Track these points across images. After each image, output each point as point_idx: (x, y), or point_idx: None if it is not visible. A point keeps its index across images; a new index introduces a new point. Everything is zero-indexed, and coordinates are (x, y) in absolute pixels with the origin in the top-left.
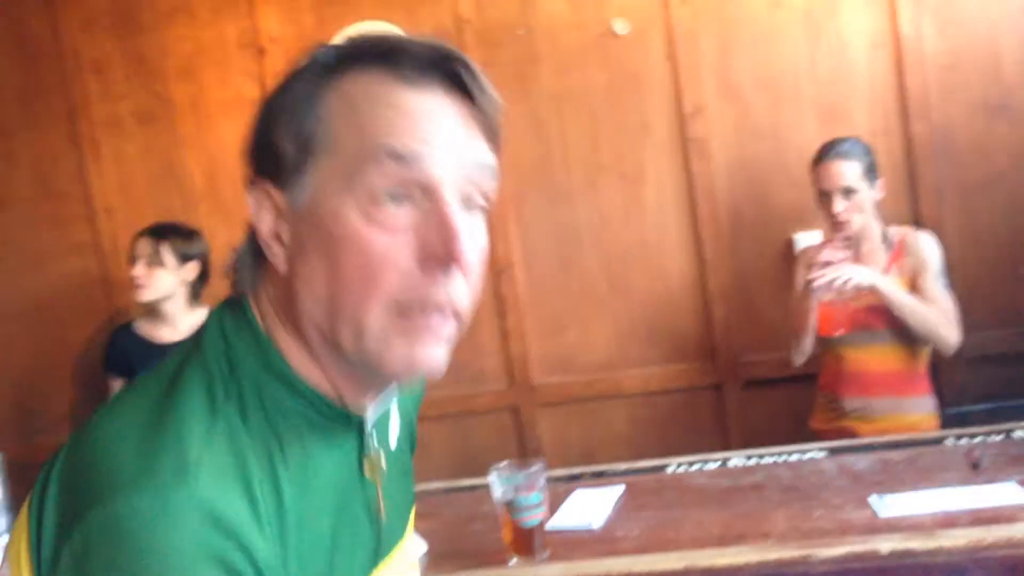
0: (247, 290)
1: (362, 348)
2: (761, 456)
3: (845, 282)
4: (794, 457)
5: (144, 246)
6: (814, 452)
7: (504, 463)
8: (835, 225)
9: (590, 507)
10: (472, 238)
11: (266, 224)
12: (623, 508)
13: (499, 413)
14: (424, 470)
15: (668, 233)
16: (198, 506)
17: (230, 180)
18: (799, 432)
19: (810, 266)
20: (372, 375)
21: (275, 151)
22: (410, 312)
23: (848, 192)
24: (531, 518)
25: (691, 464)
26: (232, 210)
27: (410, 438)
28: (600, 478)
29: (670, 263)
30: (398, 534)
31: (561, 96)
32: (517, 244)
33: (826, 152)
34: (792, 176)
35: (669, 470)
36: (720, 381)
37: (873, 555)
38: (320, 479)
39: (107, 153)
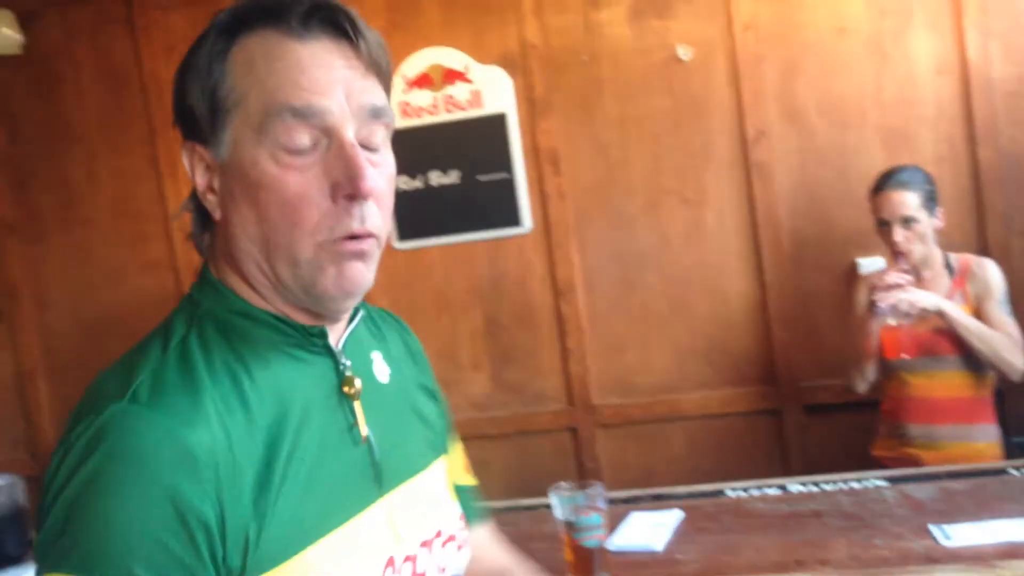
0: (204, 252)
1: (298, 275)
2: (821, 483)
3: (910, 305)
4: (854, 484)
5: None
6: (875, 480)
7: (564, 483)
8: (895, 254)
9: (650, 530)
10: (377, 169)
11: (200, 179)
12: (683, 531)
13: (558, 433)
14: (483, 488)
15: (729, 256)
16: (130, 413)
17: None
18: (860, 459)
19: (873, 289)
20: (312, 301)
21: (192, 113)
22: (333, 241)
23: (907, 221)
24: (591, 538)
25: (750, 489)
26: None
27: (425, 390)
28: (659, 501)
29: (731, 286)
30: (406, 468)
31: (624, 121)
32: (579, 266)
33: (885, 181)
34: (855, 201)
35: (728, 494)
36: (780, 405)
37: None
38: (293, 394)
39: (183, 175)
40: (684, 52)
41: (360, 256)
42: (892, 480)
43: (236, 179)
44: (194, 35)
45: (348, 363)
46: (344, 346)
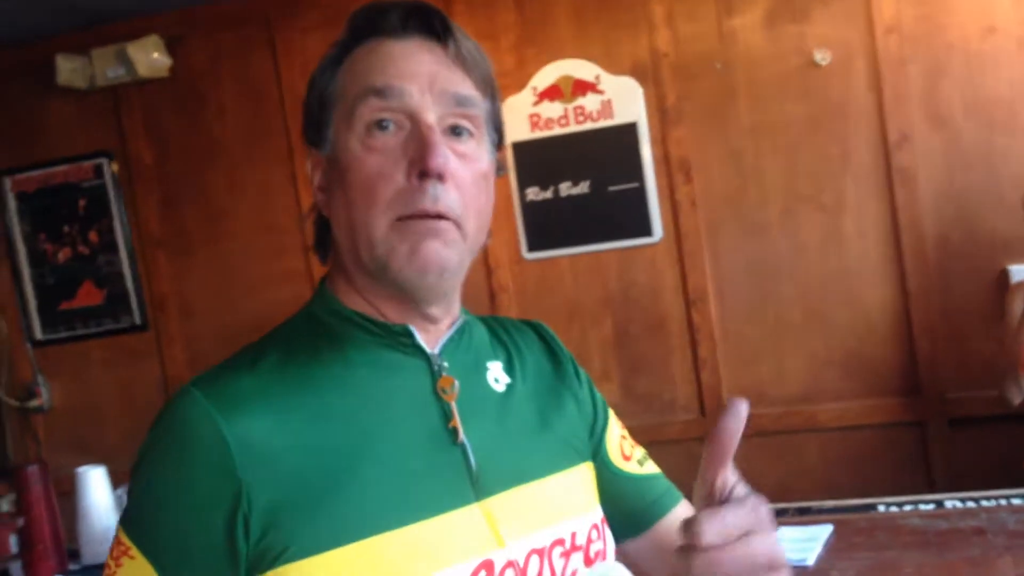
0: (324, 259)
1: (375, 256)
2: (980, 499)
3: None
4: (1016, 501)
5: None
6: None
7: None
8: None
9: (799, 544)
10: (460, 159)
11: (315, 180)
12: (834, 547)
13: (689, 443)
14: None
15: (869, 264)
16: (185, 395)
17: None
18: (1010, 475)
19: None
20: (392, 285)
21: (309, 116)
22: (406, 219)
23: None
24: None
25: (903, 504)
26: None
27: (568, 397)
28: (805, 515)
29: (871, 294)
30: (515, 474)
31: (758, 128)
32: (710, 276)
33: None
34: (1005, 206)
35: (879, 509)
36: (924, 418)
37: None
38: (376, 391)
39: None
40: (821, 57)
41: (434, 234)
42: None
43: (334, 169)
44: None
45: (445, 364)
46: (443, 349)
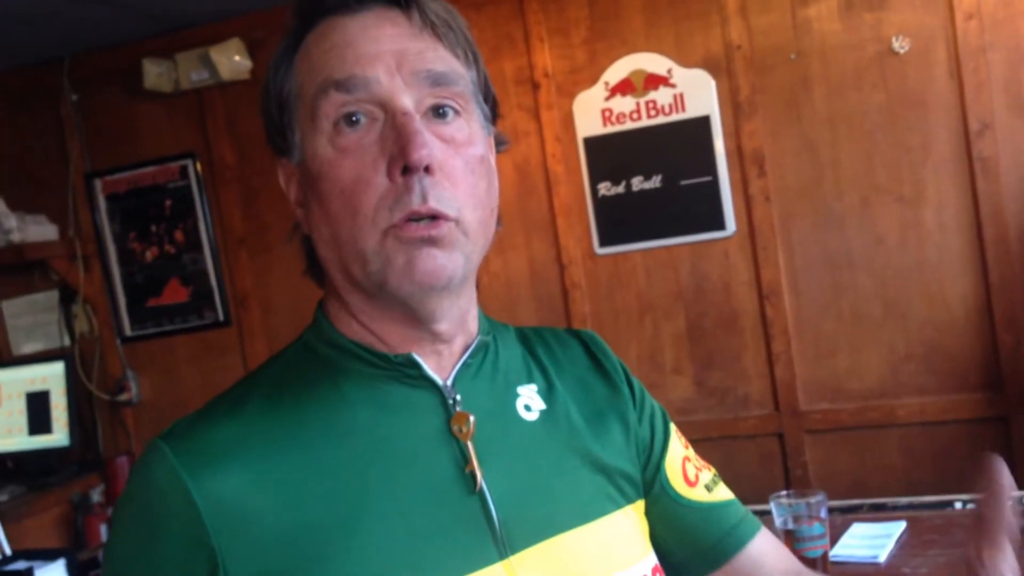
0: (321, 282)
1: (370, 273)
2: None
3: None
4: None
5: None
6: None
7: (785, 492)
8: None
9: (872, 540)
10: (448, 144)
11: (292, 193)
12: (907, 544)
13: (764, 438)
14: None
15: (950, 256)
16: (154, 449)
17: (505, 208)
18: None
19: None
20: (395, 302)
21: (271, 120)
22: (395, 225)
23: None
24: (813, 548)
25: None
26: (503, 237)
27: (615, 419)
28: (879, 511)
29: (952, 287)
30: (550, 523)
31: (834, 119)
32: (784, 269)
33: None
34: None
35: (956, 506)
36: (1007, 413)
37: None
38: (378, 432)
39: None
40: (900, 44)
41: (431, 242)
42: None
43: (307, 179)
44: None
45: (458, 397)
46: (457, 377)
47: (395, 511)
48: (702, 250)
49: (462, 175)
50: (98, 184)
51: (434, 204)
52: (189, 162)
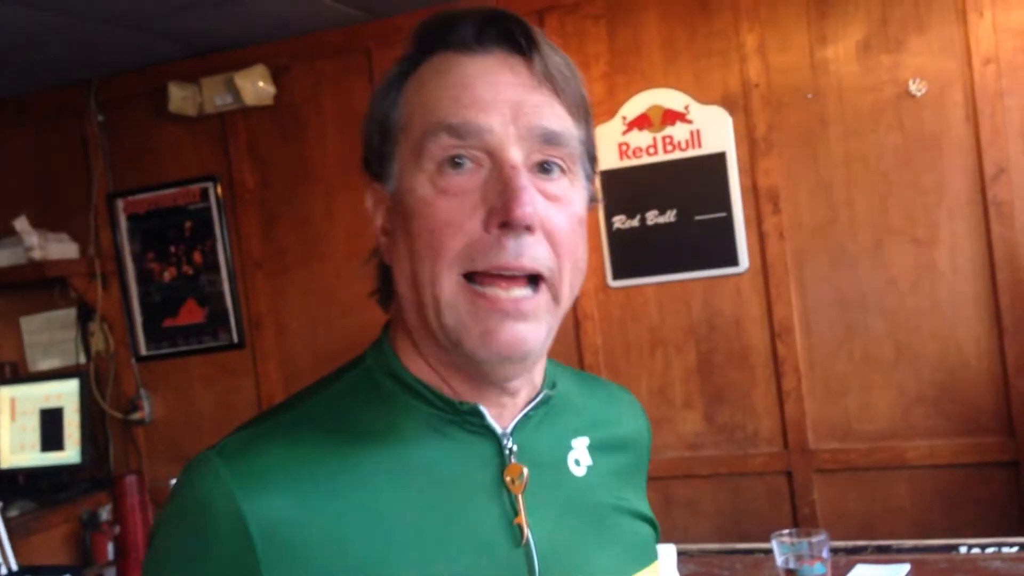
0: (387, 307)
1: (443, 324)
2: None
3: None
4: None
5: None
6: None
7: (787, 531)
8: None
9: None
10: (552, 203)
11: (378, 220)
12: None
13: (772, 476)
14: (693, 528)
15: (963, 299)
16: (205, 463)
17: None
18: None
19: None
20: (467, 361)
21: (370, 145)
22: (480, 278)
23: None
24: None
25: (985, 547)
26: None
27: (635, 485)
28: (884, 553)
29: (964, 330)
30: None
31: (850, 159)
32: (797, 307)
33: None
34: None
35: (961, 551)
36: (1018, 458)
37: None
38: (433, 475)
39: None
40: (917, 87)
41: (514, 315)
42: None
43: (398, 211)
44: None
45: (514, 448)
46: (516, 427)
47: (442, 559)
48: (715, 285)
49: (563, 235)
50: (120, 204)
51: (528, 263)
52: (210, 185)
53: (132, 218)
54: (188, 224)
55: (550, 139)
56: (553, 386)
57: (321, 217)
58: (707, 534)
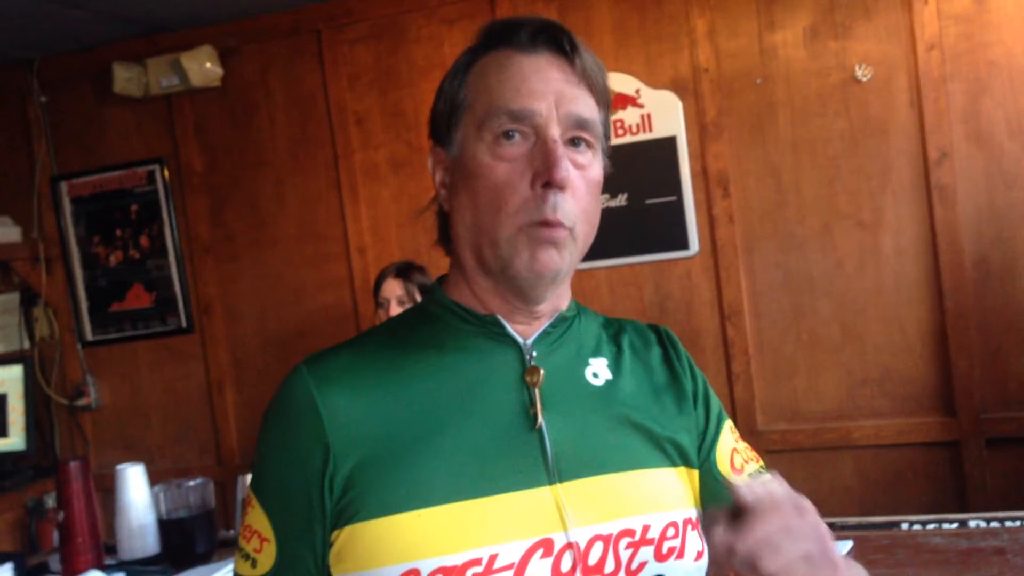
0: (449, 250)
1: (498, 256)
2: (1004, 519)
3: None
4: None
5: (395, 287)
6: None
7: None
8: None
9: None
10: (579, 171)
11: (438, 176)
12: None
13: None
14: None
15: (907, 282)
16: (295, 371)
17: None
18: None
19: None
20: (508, 282)
21: (438, 117)
22: (529, 225)
23: None
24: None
25: (926, 523)
26: None
27: (673, 404)
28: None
29: (908, 312)
30: (593, 463)
31: (797, 143)
32: (746, 290)
33: None
34: None
35: (903, 527)
36: (959, 438)
37: None
38: (466, 375)
39: (364, 197)
40: (863, 73)
41: (552, 243)
42: None
43: (460, 172)
44: (377, 66)
45: (535, 353)
46: (537, 339)
47: (467, 432)
48: (665, 269)
49: (584, 195)
50: (64, 187)
51: (560, 216)
52: (156, 167)
53: (76, 201)
54: (134, 207)
55: (582, 124)
56: (574, 312)
57: (271, 202)
58: None
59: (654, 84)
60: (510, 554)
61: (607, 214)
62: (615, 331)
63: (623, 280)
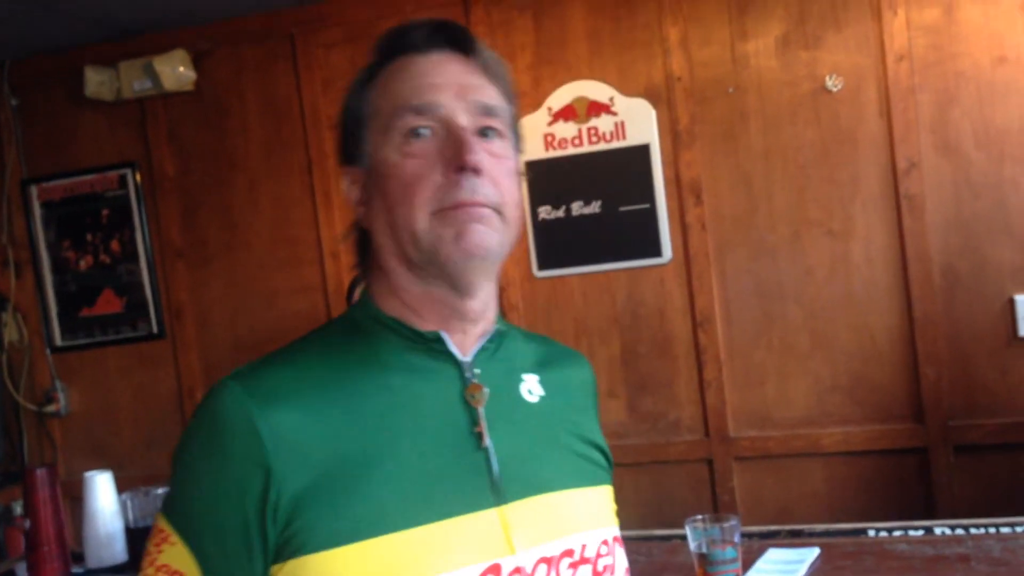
0: (366, 273)
1: (421, 249)
2: (969, 527)
3: None
4: (1006, 530)
5: None
6: None
7: (700, 516)
8: None
9: (785, 565)
10: (493, 158)
11: (354, 195)
12: (819, 570)
13: (693, 464)
14: (618, 517)
15: (876, 290)
16: (223, 386)
17: None
18: (1015, 504)
19: None
20: (442, 272)
21: (345, 136)
22: (446, 211)
23: None
24: (726, 572)
25: (893, 530)
26: None
27: (586, 440)
28: (796, 538)
29: (877, 320)
30: (535, 483)
31: (769, 152)
32: (718, 297)
33: None
34: (1014, 235)
35: (870, 534)
36: (928, 444)
37: None
38: (406, 395)
39: (338, 202)
40: (833, 83)
41: (477, 219)
42: None
43: (372, 181)
44: (351, 71)
45: (476, 371)
46: (476, 356)
47: (415, 454)
48: (638, 276)
49: (502, 179)
50: (34, 190)
51: (480, 197)
52: (128, 171)
53: (47, 205)
54: (105, 212)
55: (488, 111)
56: (504, 327)
57: (244, 206)
58: (630, 522)
59: (628, 92)
60: None
61: (582, 221)
62: (543, 347)
63: (596, 287)
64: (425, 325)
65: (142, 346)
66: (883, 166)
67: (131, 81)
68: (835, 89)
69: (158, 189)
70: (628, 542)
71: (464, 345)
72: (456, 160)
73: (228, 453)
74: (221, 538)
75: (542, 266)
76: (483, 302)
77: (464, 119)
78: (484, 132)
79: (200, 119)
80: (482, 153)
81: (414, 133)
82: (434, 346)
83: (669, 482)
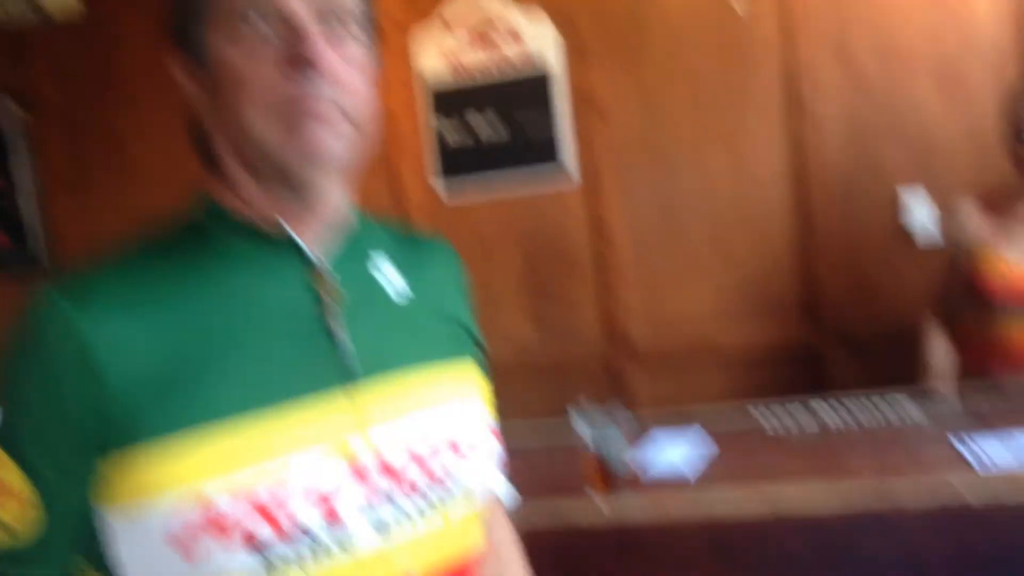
0: (211, 169)
1: (254, 147)
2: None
3: None
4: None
5: None
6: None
7: (585, 400)
8: None
9: (671, 447)
10: (346, 62)
11: (185, 83)
12: (704, 450)
13: (594, 368)
14: (522, 421)
15: (773, 198)
16: (45, 295)
17: None
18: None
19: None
20: (279, 175)
21: (172, 20)
22: (278, 106)
23: None
24: (610, 452)
25: (770, 404)
26: None
27: (453, 319)
28: (679, 418)
29: (774, 227)
30: (384, 362)
31: (670, 69)
32: (618, 208)
33: None
34: (905, 139)
35: (750, 411)
36: (822, 344)
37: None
38: (251, 291)
39: None
40: (739, 5)
41: (315, 117)
42: (915, 397)
43: (203, 70)
44: None
45: (322, 259)
46: (325, 249)
47: (258, 342)
48: (543, 193)
49: (348, 75)
50: None
51: (324, 100)
52: (7, 99)
53: None
54: None
55: (337, 9)
56: (362, 220)
57: (132, 135)
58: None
59: (530, 13)
60: (305, 462)
61: (485, 143)
62: (401, 233)
63: (501, 206)
64: (268, 224)
65: (28, 280)
66: (780, 76)
67: (8, 6)
68: (742, 13)
69: (42, 119)
70: (518, 429)
71: (309, 233)
72: (294, 56)
73: (50, 364)
74: (49, 447)
75: (449, 192)
76: (332, 207)
77: (300, 7)
78: (333, 29)
79: (85, 46)
80: (326, 50)
81: (244, 19)
82: (281, 244)
83: (570, 386)
